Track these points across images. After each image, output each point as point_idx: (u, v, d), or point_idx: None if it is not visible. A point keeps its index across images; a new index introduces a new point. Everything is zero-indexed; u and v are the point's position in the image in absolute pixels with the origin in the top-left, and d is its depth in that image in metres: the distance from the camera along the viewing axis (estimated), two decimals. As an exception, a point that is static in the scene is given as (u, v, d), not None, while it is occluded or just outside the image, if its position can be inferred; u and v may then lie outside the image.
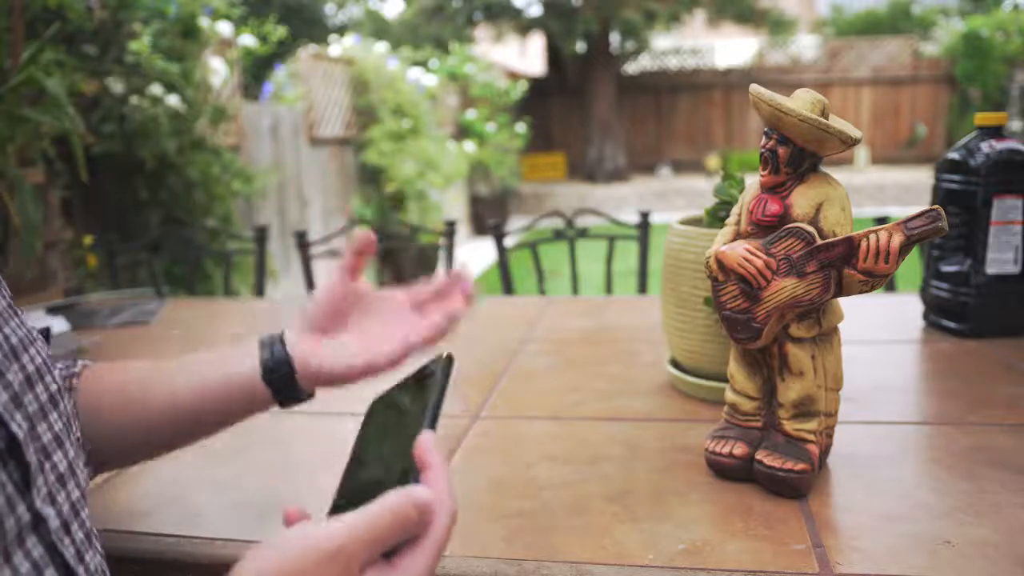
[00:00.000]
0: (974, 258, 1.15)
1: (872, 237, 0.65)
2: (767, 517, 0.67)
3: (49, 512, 0.48)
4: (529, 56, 13.43)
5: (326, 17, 12.60)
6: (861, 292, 0.68)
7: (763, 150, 0.70)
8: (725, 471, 0.74)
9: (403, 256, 5.63)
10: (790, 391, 0.71)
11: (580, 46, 11.31)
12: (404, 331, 0.68)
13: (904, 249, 0.65)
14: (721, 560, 0.61)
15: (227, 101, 3.93)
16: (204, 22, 3.32)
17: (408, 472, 0.44)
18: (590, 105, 11.59)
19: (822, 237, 0.68)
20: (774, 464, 0.70)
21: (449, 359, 0.50)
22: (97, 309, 1.65)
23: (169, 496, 0.78)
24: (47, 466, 0.50)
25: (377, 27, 11.89)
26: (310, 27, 11.30)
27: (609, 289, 2.18)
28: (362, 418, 0.53)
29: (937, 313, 1.22)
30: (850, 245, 0.66)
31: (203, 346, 1.36)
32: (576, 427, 0.90)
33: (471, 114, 8.71)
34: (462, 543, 0.66)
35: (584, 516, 0.69)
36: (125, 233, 3.05)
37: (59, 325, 1.43)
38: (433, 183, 6.32)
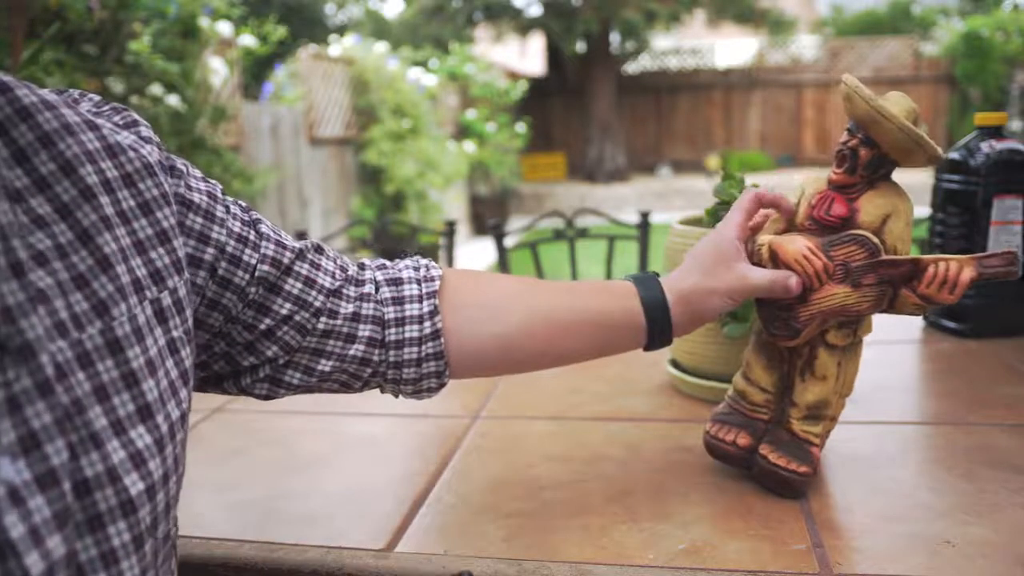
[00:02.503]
0: (974, 258, 1.15)
1: (942, 266, 0.63)
2: (767, 517, 0.67)
3: None
4: (529, 56, 13.42)
5: (326, 17, 12.60)
6: (912, 315, 0.66)
7: (843, 147, 0.66)
8: (725, 457, 0.73)
9: (403, 256, 5.62)
10: (808, 393, 0.70)
11: (580, 46, 11.30)
12: None
13: (972, 284, 0.63)
14: (721, 560, 0.61)
15: (227, 101, 3.93)
16: (204, 22, 3.32)
17: None
18: (590, 105, 11.59)
19: (884, 250, 0.65)
20: (779, 463, 0.69)
21: None
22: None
23: (169, 496, 0.78)
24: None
25: (377, 27, 11.89)
26: (310, 27, 11.30)
27: (609, 289, 2.17)
28: None
29: (937, 313, 1.22)
30: (916, 267, 0.64)
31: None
32: (576, 427, 0.90)
33: (471, 114, 8.70)
34: (462, 543, 0.66)
35: (584, 516, 0.69)
36: (125, 233, 3.04)
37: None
38: (433, 183, 6.32)
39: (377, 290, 0.65)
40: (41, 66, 2.05)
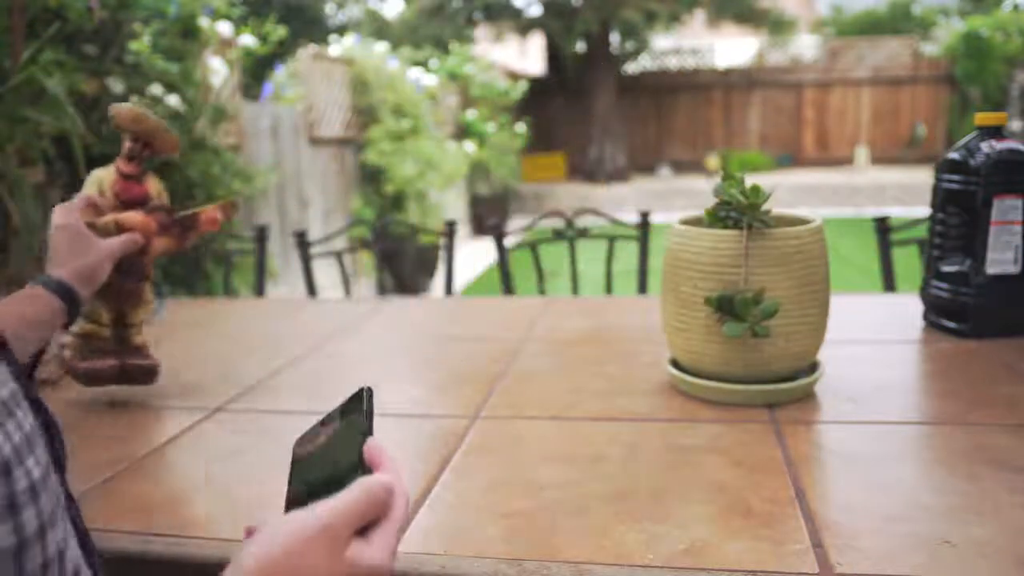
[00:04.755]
0: (974, 258, 1.15)
1: (203, 215, 1.03)
2: (767, 517, 0.67)
3: None
4: (529, 56, 13.41)
5: (326, 17, 12.59)
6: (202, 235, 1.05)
7: (133, 151, 1.00)
8: (102, 378, 1.01)
9: (403, 257, 5.63)
10: (139, 315, 1.05)
11: (580, 46, 11.31)
12: None
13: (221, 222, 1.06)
14: (721, 560, 0.61)
15: (227, 101, 3.93)
16: (204, 22, 3.32)
17: (358, 470, 0.49)
18: (590, 105, 11.59)
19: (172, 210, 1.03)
20: (145, 364, 1.04)
21: (370, 392, 0.53)
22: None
23: (169, 496, 0.78)
24: None
25: (377, 27, 11.88)
26: (310, 27, 11.29)
27: (609, 289, 2.17)
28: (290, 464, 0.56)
29: (937, 313, 1.22)
30: (196, 217, 1.03)
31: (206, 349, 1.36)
32: (576, 427, 0.90)
33: (471, 114, 8.70)
34: (462, 543, 0.66)
35: (584, 516, 0.69)
36: (125, 233, 3.04)
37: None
38: (433, 183, 6.32)
39: None
40: (41, 66, 2.05)
